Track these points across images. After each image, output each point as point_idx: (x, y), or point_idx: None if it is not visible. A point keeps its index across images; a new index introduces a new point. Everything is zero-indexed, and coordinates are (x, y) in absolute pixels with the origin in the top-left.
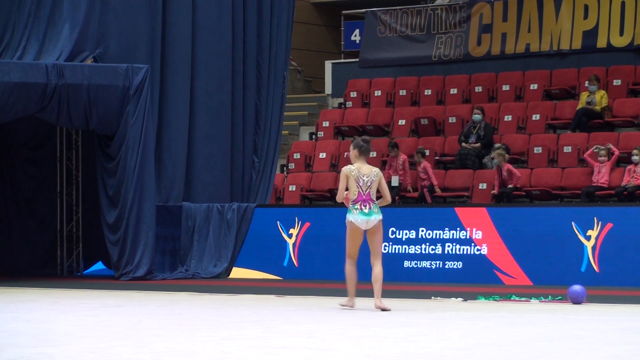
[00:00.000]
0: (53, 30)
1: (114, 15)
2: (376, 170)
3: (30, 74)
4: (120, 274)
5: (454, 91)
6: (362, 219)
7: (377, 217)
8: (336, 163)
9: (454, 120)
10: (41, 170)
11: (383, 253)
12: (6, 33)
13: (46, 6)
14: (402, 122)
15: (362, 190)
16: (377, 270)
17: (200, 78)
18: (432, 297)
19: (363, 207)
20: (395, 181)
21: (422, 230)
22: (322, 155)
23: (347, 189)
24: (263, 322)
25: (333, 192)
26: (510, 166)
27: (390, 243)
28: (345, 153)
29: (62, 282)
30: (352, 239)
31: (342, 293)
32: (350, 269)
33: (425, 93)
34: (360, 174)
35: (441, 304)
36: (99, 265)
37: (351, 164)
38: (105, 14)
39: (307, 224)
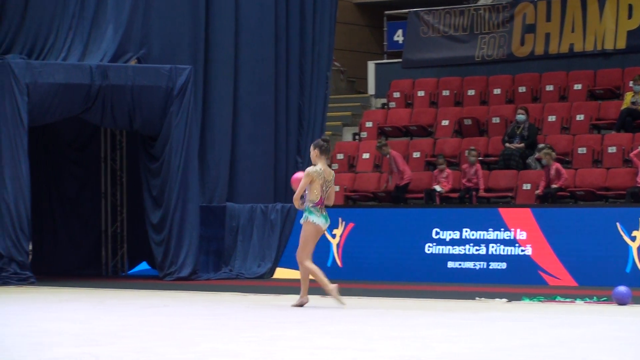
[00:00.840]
0: (97, 31)
1: (157, 17)
2: (333, 173)
3: (75, 75)
4: (165, 274)
5: (497, 91)
6: (324, 222)
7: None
8: (379, 163)
9: (498, 121)
10: (86, 170)
11: (427, 253)
12: (50, 34)
13: (90, 8)
14: (445, 122)
15: (323, 194)
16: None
17: (243, 79)
18: (476, 298)
19: (323, 210)
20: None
21: (466, 231)
22: (366, 155)
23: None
24: (307, 322)
25: (376, 193)
26: (559, 165)
27: (434, 244)
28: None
29: (107, 282)
30: (315, 240)
31: (386, 293)
32: (314, 265)
33: (469, 93)
34: (325, 180)
35: (485, 305)
36: (143, 266)
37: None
38: (148, 15)
39: (351, 225)
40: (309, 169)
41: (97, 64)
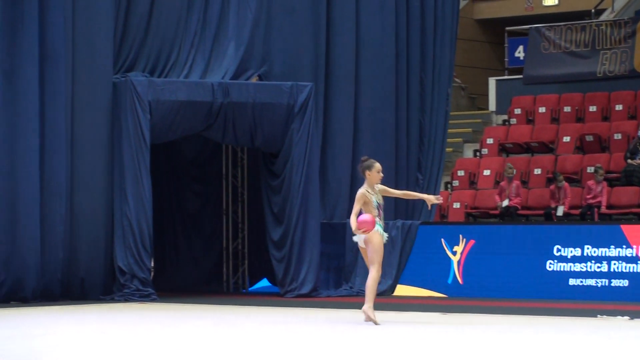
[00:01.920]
0: (218, 48)
1: (279, 34)
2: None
3: (197, 92)
4: (285, 291)
5: (619, 107)
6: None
7: None
8: (500, 180)
9: (620, 137)
10: (207, 187)
11: (548, 270)
12: (173, 52)
13: (212, 25)
14: (566, 138)
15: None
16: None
17: (364, 95)
18: (598, 316)
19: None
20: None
21: (588, 248)
22: (487, 172)
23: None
24: (429, 340)
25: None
26: None
27: (556, 261)
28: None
29: (228, 299)
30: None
31: (509, 311)
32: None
33: (590, 109)
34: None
35: (607, 323)
36: (264, 282)
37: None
38: (270, 33)
39: (472, 242)
40: (360, 191)
41: (218, 81)
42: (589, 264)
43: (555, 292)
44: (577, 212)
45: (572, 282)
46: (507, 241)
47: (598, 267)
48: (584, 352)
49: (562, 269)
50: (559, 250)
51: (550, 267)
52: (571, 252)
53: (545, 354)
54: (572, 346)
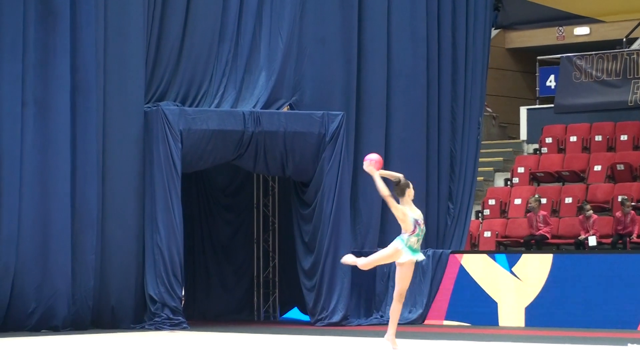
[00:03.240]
0: (249, 78)
1: (310, 63)
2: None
3: (228, 121)
4: (316, 320)
5: None
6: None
7: None
8: (530, 209)
9: None
10: (238, 216)
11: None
12: (204, 81)
13: (243, 55)
14: (597, 167)
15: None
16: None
17: (395, 124)
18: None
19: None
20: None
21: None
22: (517, 201)
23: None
24: None
25: (530, 238)
26: None
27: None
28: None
29: (259, 328)
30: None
31: (545, 340)
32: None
33: (622, 138)
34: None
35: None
36: (294, 311)
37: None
38: (301, 62)
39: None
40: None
41: (250, 110)
42: None
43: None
44: (608, 240)
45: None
46: (543, 271)
47: None
48: None
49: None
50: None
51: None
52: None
53: None
54: None
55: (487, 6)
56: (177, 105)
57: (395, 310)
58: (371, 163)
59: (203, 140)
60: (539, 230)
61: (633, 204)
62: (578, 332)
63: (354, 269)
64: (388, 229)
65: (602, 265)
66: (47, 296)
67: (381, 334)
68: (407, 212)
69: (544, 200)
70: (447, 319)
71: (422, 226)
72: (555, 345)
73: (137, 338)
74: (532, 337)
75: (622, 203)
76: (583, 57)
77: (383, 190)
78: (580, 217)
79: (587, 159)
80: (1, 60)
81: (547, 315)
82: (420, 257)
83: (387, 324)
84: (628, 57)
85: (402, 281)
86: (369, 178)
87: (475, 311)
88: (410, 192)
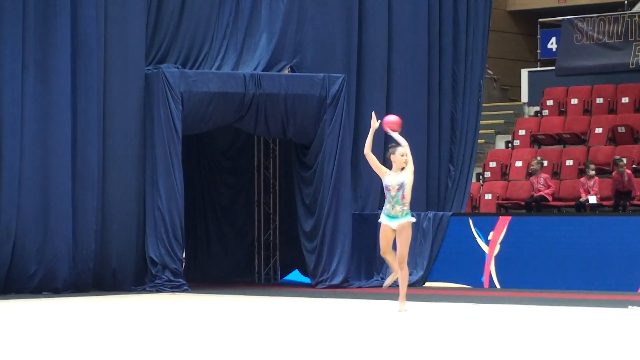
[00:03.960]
0: (250, 40)
1: (311, 25)
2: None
3: (229, 84)
4: (317, 282)
5: None
6: None
7: None
8: (532, 172)
9: None
10: (239, 179)
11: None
12: (205, 44)
13: (244, 17)
14: (598, 130)
15: None
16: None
17: (396, 87)
18: (629, 306)
19: None
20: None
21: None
22: (518, 164)
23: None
24: (460, 331)
25: (531, 201)
26: None
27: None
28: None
29: (260, 290)
30: None
31: (544, 302)
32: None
33: (623, 101)
34: None
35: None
36: (295, 273)
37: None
38: (302, 24)
39: (505, 233)
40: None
41: (250, 72)
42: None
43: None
44: (609, 203)
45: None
46: (541, 233)
47: None
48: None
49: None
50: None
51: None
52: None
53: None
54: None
55: None
56: (178, 68)
57: (399, 277)
58: (391, 125)
59: (204, 102)
60: (539, 192)
61: (634, 166)
62: (578, 294)
63: (355, 230)
64: None
65: (603, 228)
66: (48, 258)
67: (382, 296)
68: (384, 177)
69: (545, 163)
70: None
71: (392, 192)
72: (555, 308)
73: (138, 300)
74: (531, 300)
75: (616, 163)
76: (584, 19)
77: (366, 147)
78: (582, 178)
79: (588, 121)
80: (2, 23)
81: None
82: (394, 224)
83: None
84: (629, 19)
85: (397, 247)
86: None
87: (474, 272)
88: (394, 159)
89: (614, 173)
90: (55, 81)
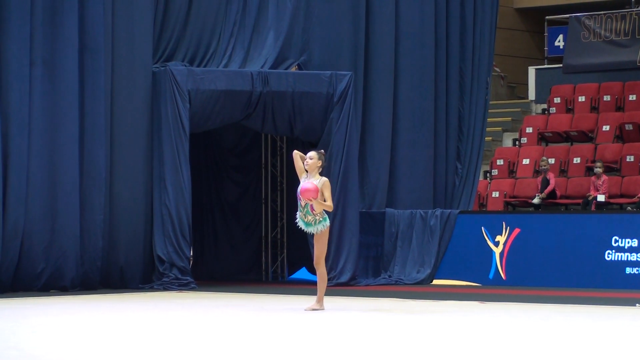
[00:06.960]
0: (258, 38)
1: (318, 23)
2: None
3: (236, 81)
4: None
5: None
6: None
7: None
8: (539, 169)
9: None
10: (246, 176)
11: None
12: (212, 42)
13: (251, 15)
14: (606, 127)
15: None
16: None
17: (403, 84)
18: (636, 304)
19: None
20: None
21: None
22: (526, 161)
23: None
24: (467, 328)
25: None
26: None
27: (613, 251)
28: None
29: (267, 288)
30: None
31: (552, 300)
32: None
33: (630, 98)
34: None
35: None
36: (303, 271)
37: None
38: (309, 22)
39: (516, 230)
40: (326, 179)
41: (258, 70)
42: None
43: (612, 281)
44: (616, 200)
45: (628, 270)
46: (550, 231)
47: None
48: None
49: (619, 259)
50: (616, 240)
51: (608, 257)
52: (628, 242)
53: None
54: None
55: None
56: (185, 66)
57: (317, 276)
58: (307, 195)
59: (211, 100)
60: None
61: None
62: (585, 292)
63: (363, 229)
64: (396, 189)
65: (610, 225)
66: (55, 256)
67: (389, 295)
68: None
69: (551, 161)
70: (456, 278)
71: (302, 202)
72: (563, 306)
73: (146, 298)
74: (539, 298)
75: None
76: (592, 16)
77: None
78: (593, 177)
79: (595, 118)
80: (10, 20)
81: (553, 274)
82: (309, 230)
83: (395, 284)
84: (637, 16)
85: (314, 249)
86: (377, 138)
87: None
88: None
89: (593, 178)
90: (63, 79)
